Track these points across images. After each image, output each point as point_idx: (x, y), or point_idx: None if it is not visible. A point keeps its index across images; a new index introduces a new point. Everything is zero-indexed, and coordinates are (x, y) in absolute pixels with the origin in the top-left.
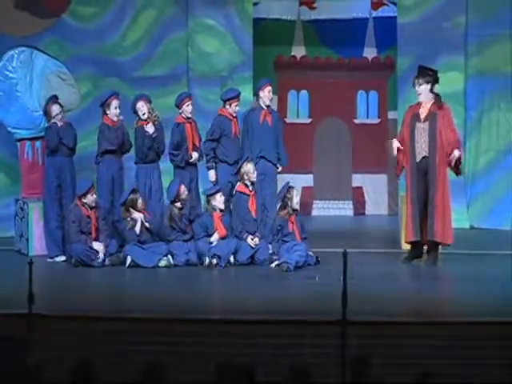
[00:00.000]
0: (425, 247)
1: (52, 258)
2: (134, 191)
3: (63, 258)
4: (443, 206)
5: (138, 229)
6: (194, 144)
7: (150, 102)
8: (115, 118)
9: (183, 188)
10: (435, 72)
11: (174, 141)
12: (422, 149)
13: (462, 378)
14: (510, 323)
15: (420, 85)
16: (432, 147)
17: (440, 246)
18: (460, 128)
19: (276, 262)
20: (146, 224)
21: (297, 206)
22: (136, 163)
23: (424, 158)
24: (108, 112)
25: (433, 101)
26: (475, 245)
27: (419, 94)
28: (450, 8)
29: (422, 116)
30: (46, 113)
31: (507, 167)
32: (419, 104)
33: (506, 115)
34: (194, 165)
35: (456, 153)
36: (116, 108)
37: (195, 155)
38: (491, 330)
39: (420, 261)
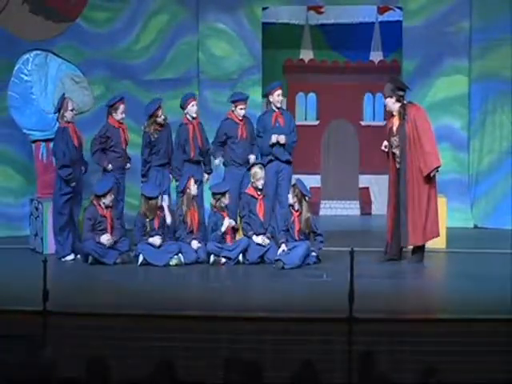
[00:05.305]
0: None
1: (62, 257)
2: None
3: (72, 257)
4: (413, 212)
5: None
6: (195, 145)
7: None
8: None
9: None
10: (398, 84)
11: (176, 141)
12: (397, 161)
13: (468, 375)
14: None
15: (385, 98)
16: (403, 161)
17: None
18: (464, 130)
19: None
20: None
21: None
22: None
23: (398, 169)
24: (114, 114)
25: (399, 112)
26: (479, 244)
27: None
28: (454, 13)
29: (394, 129)
30: (61, 107)
31: (510, 168)
32: (393, 116)
33: (509, 117)
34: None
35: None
36: (122, 113)
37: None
38: (495, 327)
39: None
